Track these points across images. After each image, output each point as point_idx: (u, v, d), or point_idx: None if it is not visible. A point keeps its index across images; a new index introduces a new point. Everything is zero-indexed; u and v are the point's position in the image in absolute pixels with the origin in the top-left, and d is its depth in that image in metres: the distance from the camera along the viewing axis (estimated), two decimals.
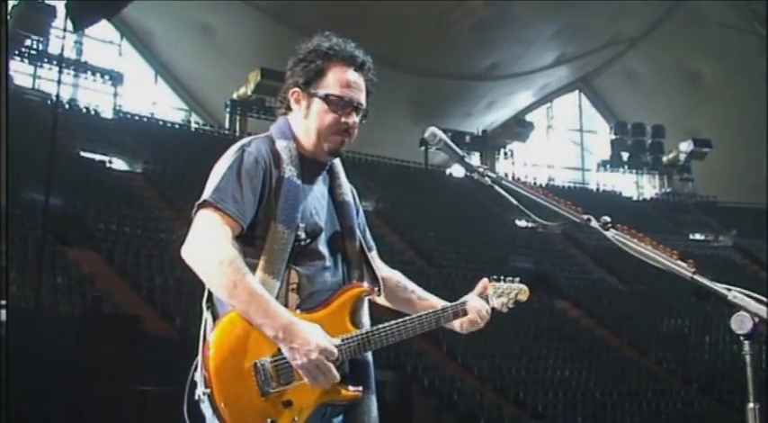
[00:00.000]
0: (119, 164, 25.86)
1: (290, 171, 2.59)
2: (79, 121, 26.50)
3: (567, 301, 25.05)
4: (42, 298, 14.10)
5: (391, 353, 16.96)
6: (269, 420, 2.38)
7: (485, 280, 2.82)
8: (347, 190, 2.81)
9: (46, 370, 9.82)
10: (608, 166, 40.29)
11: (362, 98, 2.69)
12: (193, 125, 34.27)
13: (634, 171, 40.71)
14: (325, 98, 2.63)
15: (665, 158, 39.90)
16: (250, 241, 2.52)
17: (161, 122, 31.65)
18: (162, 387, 9.54)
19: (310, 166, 2.68)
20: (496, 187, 2.55)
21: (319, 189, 2.71)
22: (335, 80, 2.64)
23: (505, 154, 38.44)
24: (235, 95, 32.35)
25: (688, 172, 39.70)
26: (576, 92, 43.53)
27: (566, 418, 17.84)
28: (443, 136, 2.61)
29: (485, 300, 2.78)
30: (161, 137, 28.77)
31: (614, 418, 18.21)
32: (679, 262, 2.10)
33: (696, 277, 2.06)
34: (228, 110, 32.73)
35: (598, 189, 39.61)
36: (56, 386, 9.89)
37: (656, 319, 24.88)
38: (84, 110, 28.84)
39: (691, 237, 34.93)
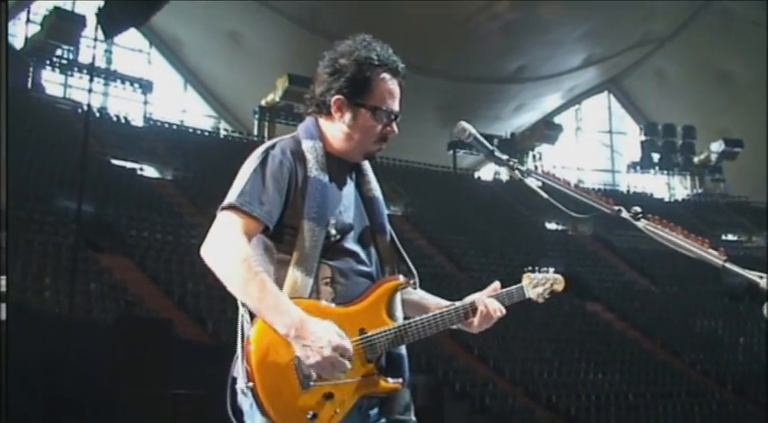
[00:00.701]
0: (149, 171, 26.11)
1: (316, 170, 2.61)
2: (110, 128, 26.79)
3: (598, 303, 24.90)
4: (76, 304, 14.28)
5: (422, 357, 16.97)
6: (311, 413, 2.40)
7: (497, 282, 2.80)
8: (375, 186, 2.82)
9: (80, 374, 9.93)
10: (638, 167, 40.06)
11: (398, 105, 2.71)
12: (222, 132, 34.54)
13: (665, 172, 40.43)
14: (374, 111, 2.65)
15: (696, 159, 39.60)
16: (282, 239, 2.56)
17: (191, 130, 31.92)
18: (194, 390, 9.62)
19: (338, 164, 2.70)
20: (526, 181, 2.55)
21: (347, 186, 2.73)
22: (382, 92, 2.65)
23: (534, 156, 38.34)
24: (263, 102, 32.54)
25: (719, 172, 39.37)
26: (605, 93, 43.30)
27: (599, 421, 17.73)
28: (473, 130, 2.62)
29: (496, 299, 2.77)
30: (191, 144, 29.01)
31: (648, 420, 18.05)
32: (710, 250, 2.09)
33: (727, 265, 2.05)
34: (257, 116, 32.93)
35: (629, 191, 39.34)
36: (89, 390, 10.00)
37: (689, 321, 24.68)
38: (115, 118, 29.13)
39: (723, 237, 34.58)
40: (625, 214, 2.21)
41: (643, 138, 40.35)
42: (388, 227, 2.79)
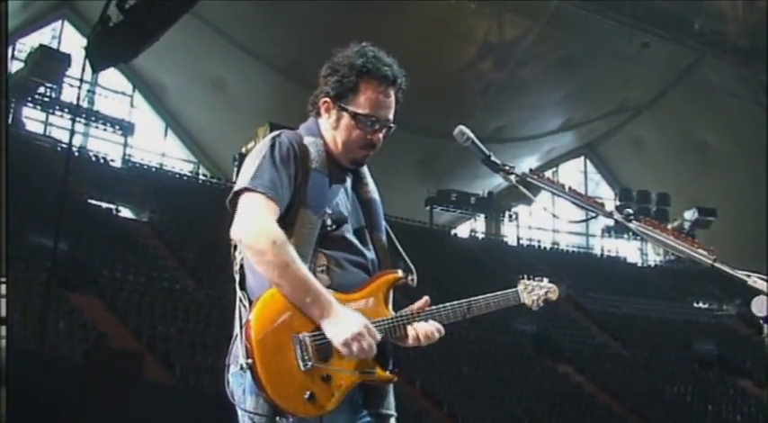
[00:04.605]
0: (126, 212, 25.99)
1: (317, 163, 2.68)
2: (89, 168, 26.69)
3: (569, 365, 24.86)
4: (45, 341, 14.09)
5: None
6: (308, 393, 2.42)
7: (426, 297, 2.77)
8: (373, 188, 2.88)
9: (46, 408, 9.78)
10: (612, 232, 40.28)
11: (391, 114, 2.76)
12: (201, 177, 34.48)
13: (638, 238, 40.56)
14: (354, 116, 2.70)
15: (669, 226, 39.75)
16: (279, 225, 2.58)
17: (169, 173, 31.89)
18: None
19: (336, 164, 2.76)
20: (520, 187, 2.61)
21: (344, 186, 2.78)
22: (366, 99, 2.70)
23: (510, 217, 38.52)
24: (243, 149, 32.45)
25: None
26: (582, 158, 43.73)
27: None
28: (471, 134, 2.69)
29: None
30: (168, 187, 28.94)
31: None
32: (700, 250, 2.14)
33: (717, 265, 2.10)
34: (236, 163, 32.86)
35: (602, 254, 39.60)
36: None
37: (659, 386, 24.65)
38: (94, 158, 29.06)
39: (695, 304, 34.78)
40: (617, 216, 2.26)
41: (617, 203, 40.60)
42: (385, 225, 2.83)
